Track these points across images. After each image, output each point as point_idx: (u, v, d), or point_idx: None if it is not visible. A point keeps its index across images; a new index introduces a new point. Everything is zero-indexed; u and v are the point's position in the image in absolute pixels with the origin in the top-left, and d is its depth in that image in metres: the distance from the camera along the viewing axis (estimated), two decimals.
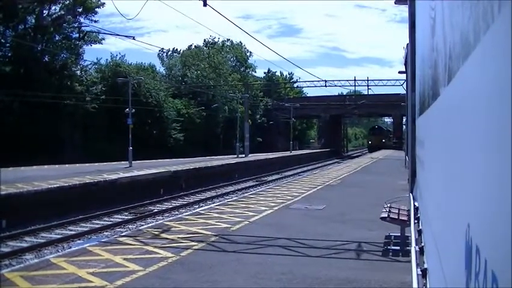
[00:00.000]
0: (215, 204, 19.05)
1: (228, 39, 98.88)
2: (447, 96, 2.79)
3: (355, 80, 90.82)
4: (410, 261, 5.71)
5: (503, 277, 1.19)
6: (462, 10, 1.98)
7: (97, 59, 67.29)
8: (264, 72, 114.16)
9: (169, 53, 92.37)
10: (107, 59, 65.76)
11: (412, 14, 9.06)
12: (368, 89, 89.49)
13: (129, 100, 38.71)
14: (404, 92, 38.64)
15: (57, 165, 35.94)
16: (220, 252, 11.30)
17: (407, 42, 12.23)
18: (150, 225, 14.56)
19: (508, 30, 1.15)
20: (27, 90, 46.44)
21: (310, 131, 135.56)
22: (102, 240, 12.34)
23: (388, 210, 12.56)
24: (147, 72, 71.54)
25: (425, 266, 4.87)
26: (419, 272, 4.80)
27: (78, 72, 60.67)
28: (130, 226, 20.11)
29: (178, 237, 12.60)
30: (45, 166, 35.14)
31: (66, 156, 44.95)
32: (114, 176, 27.86)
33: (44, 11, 54.16)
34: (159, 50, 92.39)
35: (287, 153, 68.44)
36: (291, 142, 76.09)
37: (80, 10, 54.95)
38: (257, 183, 38.87)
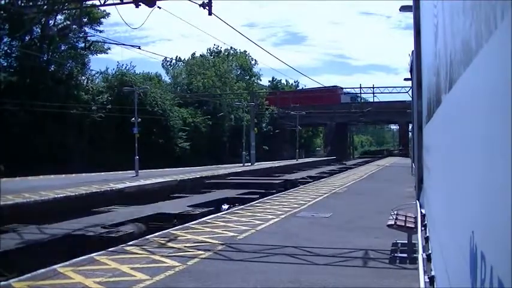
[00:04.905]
0: (221, 213, 19.02)
1: (231, 47, 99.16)
2: (448, 103, 2.79)
3: (360, 87, 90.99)
4: (417, 269, 5.70)
5: (509, 284, 1.19)
6: (463, 17, 1.99)
7: (106, 68, 67.57)
8: (269, 81, 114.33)
9: (173, 61, 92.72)
10: (113, 68, 66.09)
11: (417, 21, 9.04)
12: (374, 96, 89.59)
13: (135, 109, 38.85)
14: (411, 99, 38.61)
15: (63, 175, 35.98)
16: (227, 261, 11.28)
17: (413, 49, 12.24)
18: (156, 234, 14.54)
19: (511, 38, 1.16)
20: (33, 100, 46.65)
21: (316, 139, 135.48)
22: (109, 249, 12.34)
23: (394, 217, 12.52)
24: (153, 81, 71.79)
25: (433, 273, 4.86)
26: (427, 279, 4.78)
27: (85, 81, 60.94)
28: None
29: (185, 246, 12.58)
30: (52, 176, 35.20)
31: (72, 166, 45.02)
32: (120, 185, 27.91)
33: (50, 21, 54.44)
34: (163, 60, 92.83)
35: (293, 162, 68.37)
36: (297, 150, 76.00)
37: (86, 20, 55.15)
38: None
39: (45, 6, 32.25)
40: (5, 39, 54.50)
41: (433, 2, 3.96)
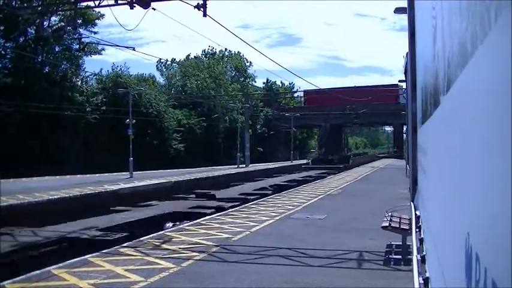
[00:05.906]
0: (216, 215, 19.00)
1: (226, 49, 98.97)
2: (445, 105, 2.80)
3: (355, 88, 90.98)
4: (411, 270, 5.70)
5: (503, 285, 1.20)
6: (460, 19, 1.99)
7: (101, 69, 67.56)
8: (263, 82, 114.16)
9: (168, 63, 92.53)
10: (107, 70, 66.05)
11: (412, 22, 9.05)
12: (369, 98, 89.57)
13: (130, 111, 38.80)
14: (405, 100, 38.67)
15: (58, 176, 35.89)
16: (222, 262, 11.27)
17: (407, 51, 12.25)
18: (151, 235, 14.52)
19: (505, 39, 1.16)
20: (28, 101, 46.54)
21: (311, 141, 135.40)
22: (103, 251, 12.31)
23: (389, 219, 12.54)
24: (147, 82, 71.73)
25: (427, 274, 4.86)
26: (421, 281, 4.79)
27: (79, 83, 60.83)
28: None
29: (180, 248, 12.57)
30: (46, 177, 35.11)
31: (67, 167, 44.91)
32: (115, 187, 27.85)
33: (44, 23, 54.32)
34: (157, 61, 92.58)
35: (288, 163, 68.42)
36: (292, 152, 76.05)
37: (80, 21, 55.07)
38: None
39: (40, 8, 32.24)
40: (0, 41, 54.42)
41: (431, 3, 3.95)
